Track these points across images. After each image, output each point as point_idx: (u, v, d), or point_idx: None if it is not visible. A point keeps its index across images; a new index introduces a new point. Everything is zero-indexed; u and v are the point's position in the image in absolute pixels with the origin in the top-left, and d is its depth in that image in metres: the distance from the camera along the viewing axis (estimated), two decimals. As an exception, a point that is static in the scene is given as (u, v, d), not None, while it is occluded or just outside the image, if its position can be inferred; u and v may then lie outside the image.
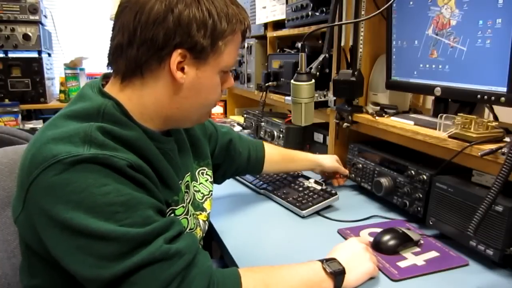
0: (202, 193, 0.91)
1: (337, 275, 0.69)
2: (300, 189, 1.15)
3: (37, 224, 0.61)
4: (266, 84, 1.67)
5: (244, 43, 0.71)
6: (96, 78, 0.76)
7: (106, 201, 0.56)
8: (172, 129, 0.82)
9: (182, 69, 0.68)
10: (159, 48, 0.65)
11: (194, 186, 0.89)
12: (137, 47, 0.65)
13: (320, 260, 0.72)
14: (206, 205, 0.92)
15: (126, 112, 0.68)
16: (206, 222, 0.90)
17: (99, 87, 0.71)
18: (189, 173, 0.86)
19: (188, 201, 0.83)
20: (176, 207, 0.75)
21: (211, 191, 0.94)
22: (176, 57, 0.66)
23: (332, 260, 0.72)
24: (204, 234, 0.89)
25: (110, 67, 0.73)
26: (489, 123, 0.82)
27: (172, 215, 0.74)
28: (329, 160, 1.22)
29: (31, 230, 0.63)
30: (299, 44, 1.55)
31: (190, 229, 0.80)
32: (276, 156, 1.17)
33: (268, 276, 0.67)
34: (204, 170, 0.95)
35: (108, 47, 0.72)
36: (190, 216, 0.80)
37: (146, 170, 0.64)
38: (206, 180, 0.94)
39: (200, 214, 0.88)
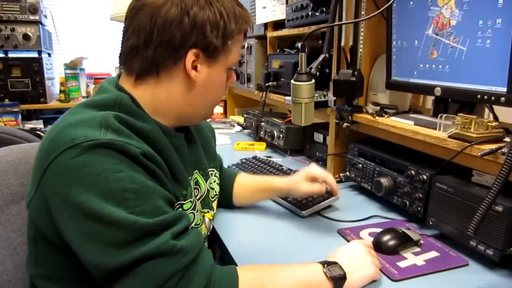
0: (215, 191, 0.94)
1: (338, 280, 0.69)
2: (300, 189, 1.15)
3: (51, 205, 0.61)
4: (266, 84, 1.67)
5: (245, 42, 0.77)
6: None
7: (120, 187, 0.58)
8: (182, 127, 0.84)
9: (195, 68, 0.72)
10: (175, 49, 0.69)
11: (210, 183, 0.92)
12: (154, 48, 0.69)
13: (321, 263, 0.71)
14: (214, 204, 0.94)
15: (140, 106, 0.71)
16: (212, 221, 0.91)
17: (116, 82, 0.74)
18: (198, 170, 0.87)
19: (198, 197, 0.84)
20: (184, 202, 0.76)
21: (218, 191, 0.97)
22: (191, 56, 0.70)
23: (334, 264, 0.71)
24: (208, 233, 0.89)
25: (123, 67, 0.75)
26: (489, 123, 0.82)
27: (180, 209, 0.75)
28: (302, 187, 1.00)
29: (44, 212, 0.63)
30: (299, 44, 1.54)
31: (196, 224, 0.81)
32: (244, 191, 1.07)
33: (264, 276, 0.67)
34: (213, 171, 0.97)
35: (120, 48, 0.75)
36: (197, 211, 0.81)
37: (158, 160, 0.66)
38: (214, 181, 0.96)
39: (208, 212, 0.89)
